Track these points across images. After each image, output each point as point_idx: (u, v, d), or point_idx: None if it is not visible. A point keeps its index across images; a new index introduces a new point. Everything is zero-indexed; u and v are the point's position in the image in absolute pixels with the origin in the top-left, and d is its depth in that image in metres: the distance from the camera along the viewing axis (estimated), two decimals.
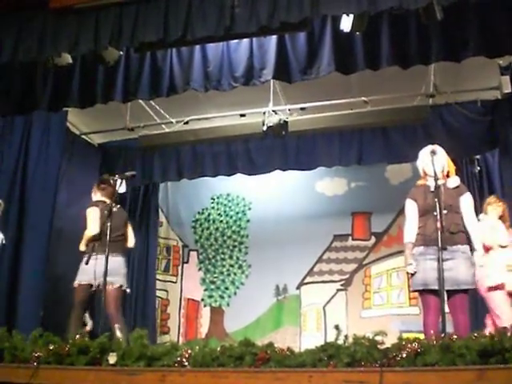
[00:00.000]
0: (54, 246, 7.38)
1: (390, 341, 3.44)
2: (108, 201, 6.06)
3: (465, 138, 7.43)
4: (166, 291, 9.45)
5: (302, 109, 7.50)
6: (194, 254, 9.54)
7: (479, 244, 4.67)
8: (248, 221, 9.34)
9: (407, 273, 4.82)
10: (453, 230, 4.56)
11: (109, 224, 5.64)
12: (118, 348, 3.99)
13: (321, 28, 5.82)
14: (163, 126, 8.09)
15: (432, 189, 4.61)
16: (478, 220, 5.26)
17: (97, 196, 6.28)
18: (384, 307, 8.33)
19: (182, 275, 9.55)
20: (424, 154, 4.87)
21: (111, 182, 6.21)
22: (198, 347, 3.81)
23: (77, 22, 5.54)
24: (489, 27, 5.31)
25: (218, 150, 8.37)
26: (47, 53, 5.70)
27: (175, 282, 9.52)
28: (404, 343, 3.35)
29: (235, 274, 9.18)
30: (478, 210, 7.17)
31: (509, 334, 3.22)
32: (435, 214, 4.40)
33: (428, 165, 4.74)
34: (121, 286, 5.88)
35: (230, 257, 9.28)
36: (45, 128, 7.56)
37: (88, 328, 7.33)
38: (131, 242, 6.29)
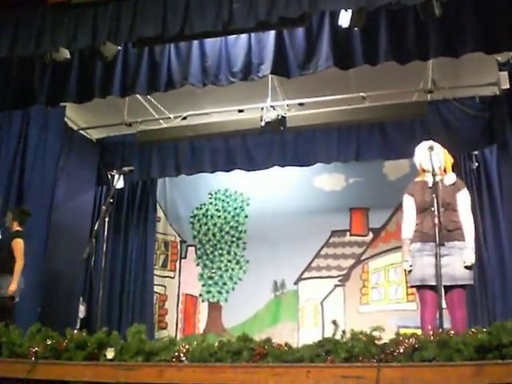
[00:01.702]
0: (52, 241, 7.39)
1: (387, 336, 3.45)
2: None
3: (463, 133, 7.43)
4: (164, 286, 9.45)
5: (300, 104, 7.50)
6: (191, 250, 9.54)
7: (472, 241, 4.66)
8: (246, 216, 9.34)
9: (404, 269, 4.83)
10: (450, 228, 4.56)
11: None
12: (115, 343, 4.00)
13: (319, 23, 5.81)
14: (161, 121, 8.08)
15: (430, 185, 4.60)
16: None
17: (20, 227, 6.56)
18: (381, 303, 8.34)
19: (179, 270, 9.55)
20: (421, 149, 4.86)
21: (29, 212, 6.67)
22: (195, 342, 3.82)
23: (75, 16, 5.53)
24: (487, 23, 5.31)
25: (216, 146, 8.37)
26: (45, 48, 5.69)
27: (173, 278, 9.52)
28: (401, 339, 3.35)
29: (233, 269, 9.18)
30: (477, 205, 7.24)
31: None
32: (433, 210, 4.39)
33: (425, 161, 4.74)
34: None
35: (228, 252, 9.28)
36: (43, 123, 7.56)
37: (81, 315, 7.35)
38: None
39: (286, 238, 8.73)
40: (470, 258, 4.55)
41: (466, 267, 4.53)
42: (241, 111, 7.66)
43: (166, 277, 9.50)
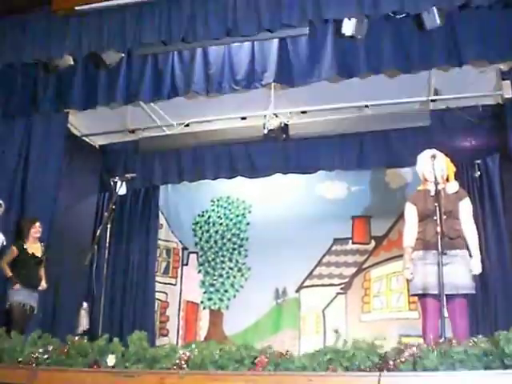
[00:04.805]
0: (54, 247, 7.39)
1: (389, 345, 3.44)
2: None
3: (465, 142, 7.43)
4: (166, 293, 9.43)
5: (302, 112, 7.52)
6: (193, 257, 9.53)
7: (477, 250, 4.65)
8: (248, 224, 9.33)
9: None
10: (452, 236, 4.55)
11: None
12: (116, 350, 3.99)
13: (322, 32, 5.83)
14: (164, 128, 8.10)
15: (432, 193, 4.60)
16: None
17: None
18: (383, 311, 8.32)
19: (181, 277, 9.54)
20: (423, 158, 4.86)
21: None
22: (196, 350, 3.81)
23: (79, 24, 5.56)
24: (490, 32, 5.32)
25: (218, 153, 8.38)
26: (49, 54, 5.71)
27: (175, 285, 9.51)
28: (403, 347, 3.34)
29: (235, 276, 9.17)
30: (479, 214, 7.23)
31: None
32: (435, 218, 4.39)
33: (428, 169, 4.73)
34: None
35: (230, 259, 9.27)
36: (46, 129, 7.56)
37: (81, 328, 7.36)
38: None
39: (287, 246, 8.72)
40: (477, 266, 4.56)
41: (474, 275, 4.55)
42: (243, 119, 7.68)
43: (167, 284, 9.49)
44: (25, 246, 6.69)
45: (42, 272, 6.81)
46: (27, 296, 6.55)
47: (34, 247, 6.77)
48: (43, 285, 6.75)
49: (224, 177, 8.57)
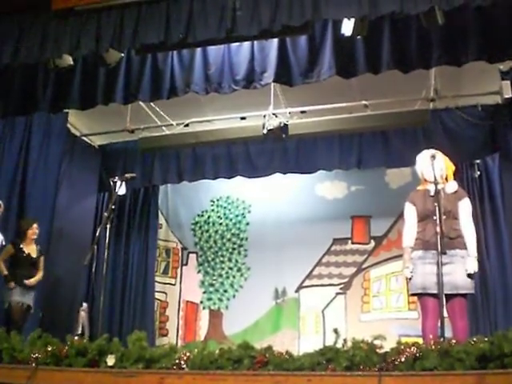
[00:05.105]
0: (53, 247, 7.40)
1: (388, 345, 3.43)
2: None
3: (465, 142, 7.44)
4: (165, 293, 9.44)
5: (302, 112, 7.52)
6: (193, 257, 9.54)
7: (474, 250, 4.65)
8: (247, 223, 9.34)
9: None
10: (451, 236, 4.55)
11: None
12: (116, 350, 3.98)
13: (322, 32, 5.82)
14: (164, 128, 8.09)
15: (432, 193, 4.60)
16: None
17: None
18: (383, 311, 8.32)
19: (181, 277, 9.55)
20: (423, 158, 4.86)
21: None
22: (196, 350, 3.80)
23: (78, 23, 5.54)
24: (490, 32, 5.32)
25: (218, 153, 8.39)
26: (48, 54, 5.69)
27: (174, 285, 9.52)
28: (403, 347, 3.33)
29: (234, 276, 9.17)
30: (479, 214, 7.23)
31: None
32: (434, 218, 4.39)
33: (427, 169, 4.73)
34: None
35: (230, 259, 9.28)
36: (45, 129, 7.58)
37: (79, 329, 7.37)
38: None
39: (287, 246, 8.73)
40: (473, 266, 4.55)
41: (469, 275, 4.52)
42: (243, 118, 7.68)
43: (167, 284, 9.49)
44: (21, 246, 6.70)
45: (39, 273, 6.80)
46: (24, 295, 6.55)
47: (31, 248, 6.78)
48: (31, 280, 6.67)
49: (224, 177, 8.57)
